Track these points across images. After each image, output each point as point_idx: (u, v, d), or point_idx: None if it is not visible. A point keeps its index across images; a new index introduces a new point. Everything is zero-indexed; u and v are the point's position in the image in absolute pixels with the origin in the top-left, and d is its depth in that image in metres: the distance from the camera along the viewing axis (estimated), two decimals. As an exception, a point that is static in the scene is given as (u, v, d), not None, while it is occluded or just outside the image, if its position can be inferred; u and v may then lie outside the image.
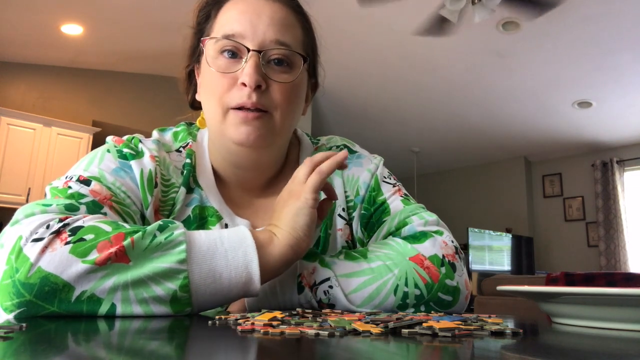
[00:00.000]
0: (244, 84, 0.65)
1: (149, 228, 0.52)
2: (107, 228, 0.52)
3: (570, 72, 4.60)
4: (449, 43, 4.15)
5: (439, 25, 3.50)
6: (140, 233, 0.51)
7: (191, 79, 0.78)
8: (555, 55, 4.31)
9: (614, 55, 4.23)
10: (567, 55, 4.31)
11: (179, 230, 0.53)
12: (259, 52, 0.66)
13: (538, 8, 3.37)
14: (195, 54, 0.75)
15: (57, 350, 0.31)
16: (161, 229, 0.52)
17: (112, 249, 0.49)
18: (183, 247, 0.51)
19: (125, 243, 0.50)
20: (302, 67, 0.70)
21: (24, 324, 0.37)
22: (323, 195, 0.68)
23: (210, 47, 0.69)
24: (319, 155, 0.63)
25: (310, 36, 0.76)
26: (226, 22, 0.69)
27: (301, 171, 0.62)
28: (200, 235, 0.54)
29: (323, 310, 0.56)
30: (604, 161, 6.43)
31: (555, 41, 4.10)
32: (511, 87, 5.01)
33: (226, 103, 0.67)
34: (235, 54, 0.67)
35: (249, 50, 0.66)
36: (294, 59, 0.69)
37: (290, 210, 0.59)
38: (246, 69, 0.65)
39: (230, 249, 0.53)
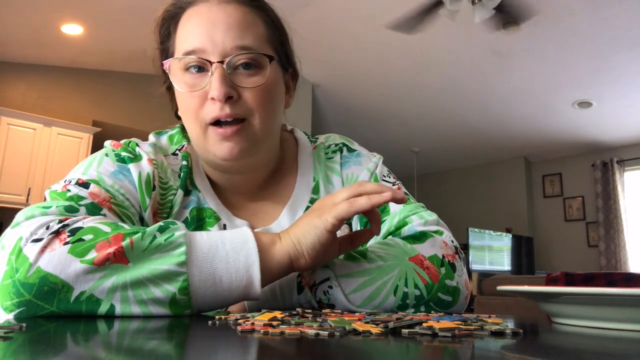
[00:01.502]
0: (213, 99, 0.64)
1: (149, 229, 0.52)
2: (107, 229, 0.52)
3: (570, 72, 4.60)
4: (449, 43, 4.15)
5: (418, 20, 3.49)
6: (139, 234, 0.51)
7: (172, 92, 0.77)
8: (555, 55, 4.31)
9: (614, 55, 4.23)
10: (567, 55, 4.31)
11: (179, 231, 0.52)
12: (221, 62, 0.64)
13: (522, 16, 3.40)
14: (167, 72, 0.74)
15: (57, 351, 0.31)
16: (161, 229, 0.52)
17: (111, 249, 0.49)
18: (183, 249, 0.51)
19: (124, 243, 0.50)
20: (270, 66, 0.68)
21: (24, 324, 0.37)
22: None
23: (175, 67, 0.68)
24: (371, 186, 0.59)
25: (275, 28, 0.73)
26: (184, 38, 0.68)
27: (344, 192, 0.58)
28: (201, 237, 0.54)
29: (323, 310, 0.56)
30: (604, 161, 6.43)
31: (555, 41, 4.10)
32: (511, 87, 5.01)
33: (202, 119, 0.66)
34: (201, 67, 0.66)
35: (211, 62, 0.65)
36: (260, 60, 0.67)
37: (307, 222, 0.58)
38: (213, 82, 0.64)
39: (232, 251, 0.53)
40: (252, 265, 0.53)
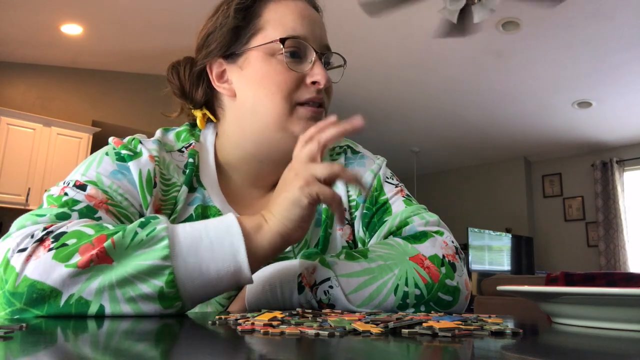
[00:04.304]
0: (313, 83, 0.71)
1: (130, 226, 0.52)
2: (90, 231, 0.52)
3: (570, 72, 4.60)
4: (449, 43, 4.15)
5: (455, 25, 3.47)
6: (120, 232, 0.51)
7: (202, 75, 0.77)
8: (555, 55, 4.31)
9: (613, 55, 4.23)
10: (567, 55, 4.31)
11: (161, 225, 0.52)
12: (322, 54, 0.73)
13: (539, 4, 3.35)
14: (228, 49, 0.73)
15: (57, 350, 0.31)
16: (142, 225, 0.52)
17: (94, 251, 0.49)
18: (165, 242, 0.51)
19: (105, 244, 0.50)
20: (343, 68, 0.78)
21: (24, 324, 0.37)
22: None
23: (271, 46, 0.71)
24: (346, 175, 0.58)
25: None
26: (288, 22, 0.71)
27: (305, 151, 0.58)
28: (184, 228, 0.54)
29: (323, 310, 0.56)
30: (603, 161, 6.43)
31: (555, 41, 4.10)
32: (511, 87, 5.01)
33: (294, 99, 0.71)
34: (296, 53, 0.71)
35: (316, 52, 0.71)
36: (334, 61, 0.78)
37: (287, 198, 0.56)
38: (317, 69, 0.71)
39: (216, 239, 0.53)
40: (238, 251, 0.53)
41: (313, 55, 0.71)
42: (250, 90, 0.72)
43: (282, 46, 0.70)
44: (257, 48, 0.71)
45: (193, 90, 0.78)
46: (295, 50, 0.70)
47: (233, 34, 0.73)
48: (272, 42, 0.70)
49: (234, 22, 0.72)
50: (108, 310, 0.50)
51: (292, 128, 0.70)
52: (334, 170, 0.56)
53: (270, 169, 0.76)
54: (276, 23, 0.72)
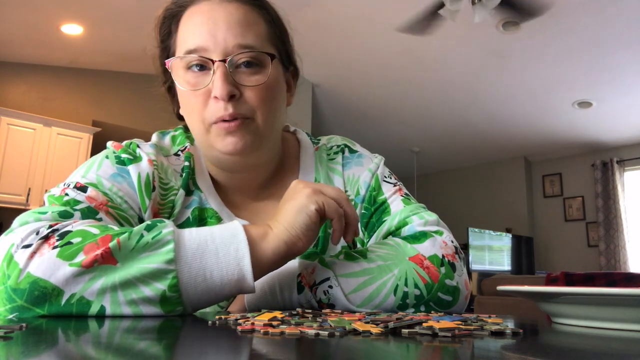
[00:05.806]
0: (217, 97, 0.64)
1: (136, 228, 0.52)
2: (95, 231, 0.52)
3: (570, 72, 4.60)
4: (449, 43, 4.15)
5: (426, 23, 3.51)
6: (126, 234, 0.51)
7: (172, 92, 0.77)
8: (555, 55, 4.31)
9: (613, 55, 4.23)
10: (567, 55, 4.31)
11: (167, 229, 0.52)
12: (223, 61, 0.64)
13: (532, 12, 3.39)
14: (167, 72, 0.73)
15: (58, 350, 0.31)
16: (149, 228, 0.52)
17: (98, 251, 0.49)
18: (171, 246, 0.51)
19: (111, 244, 0.50)
20: (272, 64, 0.68)
21: (24, 324, 0.37)
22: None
23: (177, 65, 0.68)
24: (352, 209, 0.62)
25: (276, 26, 0.73)
26: (186, 36, 0.67)
27: (333, 190, 0.61)
28: (190, 233, 0.53)
29: (323, 310, 0.56)
30: (604, 161, 6.43)
31: (555, 41, 4.10)
32: (511, 87, 5.01)
33: (206, 119, 0.66)
34: (203, 66, 0.66)
35: (214, 61, 0.64)
36: (261, 58, 0.67)
37: (293, 206, 0.58)
38: (215, 81, 0.64)
39: (222, 245, 0.53)
40: (242, 258, 0.53)
41: (213, 65, 0.65)
42: (183, 112, 0.72)
43: (168, 68, 0.68)
44: (171, 70, 0.70)
45: (171, 103, 0.78)
46: (199, 63, 0.66)
47: (164, 56, 0.73)
48: (167, 64, 0.69)
49: (160, 45, 0.73)
50: (108, 311, 0.50)
51: (215, 146, 0.67)
52: (341, 195, 0.61)
53: (243, 178, 0.76)
54: (179, 41, 0.69)
